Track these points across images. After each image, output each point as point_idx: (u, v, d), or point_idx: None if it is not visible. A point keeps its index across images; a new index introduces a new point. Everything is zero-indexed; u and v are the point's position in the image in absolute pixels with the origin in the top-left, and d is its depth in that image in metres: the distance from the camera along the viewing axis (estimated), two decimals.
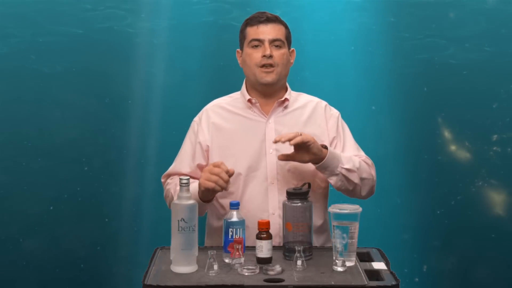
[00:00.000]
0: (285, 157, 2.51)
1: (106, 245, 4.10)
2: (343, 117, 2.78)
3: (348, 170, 2.55)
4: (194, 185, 2.48)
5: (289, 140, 2.42)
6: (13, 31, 4.01)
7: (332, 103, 2.79)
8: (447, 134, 4.42)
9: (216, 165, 2.41)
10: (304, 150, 2.47)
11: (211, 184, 2.39)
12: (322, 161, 2.50)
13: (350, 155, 2.64)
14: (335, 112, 2.75)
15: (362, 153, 2.73)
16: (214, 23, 4.38)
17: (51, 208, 3.92)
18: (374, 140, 4.33)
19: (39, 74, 3.98)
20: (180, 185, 2.21)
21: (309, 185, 2.39)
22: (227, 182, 2.40)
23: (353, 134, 2.77)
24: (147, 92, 4.19)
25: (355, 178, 2.57)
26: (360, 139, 2.75)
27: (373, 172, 2.68)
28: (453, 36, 4.39)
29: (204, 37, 4.36)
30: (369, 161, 2.70)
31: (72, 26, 4.06)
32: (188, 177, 2.23)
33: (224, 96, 2.79)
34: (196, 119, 2.74)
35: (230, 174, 2.41)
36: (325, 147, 2.53)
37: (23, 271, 3.92)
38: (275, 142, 2.47)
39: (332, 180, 2.56)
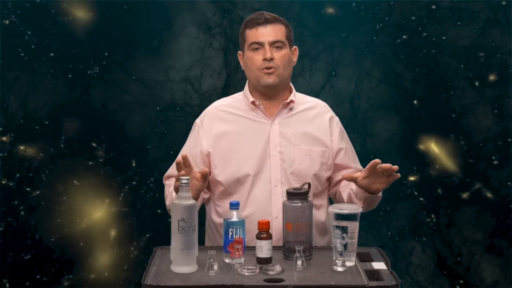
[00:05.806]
0: (350, 178, 2.48)
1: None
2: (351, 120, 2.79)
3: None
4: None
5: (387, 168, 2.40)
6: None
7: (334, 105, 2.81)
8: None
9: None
10: (380, 178, 2.44)
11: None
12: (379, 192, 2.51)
13: None
14: (338, 120, 2.74)
15: (360, 167, 2.74)
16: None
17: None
18: (374, 141, 4.33)
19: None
20: (180, 185, 2.21)
21: (309, 185, 2.39)
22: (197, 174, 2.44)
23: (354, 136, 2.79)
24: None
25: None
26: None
27: None
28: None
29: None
30: None
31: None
32: (188, 177, 2.22)
33: (225, 97, 2.76)
34: (197, 121, 2.70)
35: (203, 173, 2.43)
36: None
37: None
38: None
39: (365, 205, 2.58)
